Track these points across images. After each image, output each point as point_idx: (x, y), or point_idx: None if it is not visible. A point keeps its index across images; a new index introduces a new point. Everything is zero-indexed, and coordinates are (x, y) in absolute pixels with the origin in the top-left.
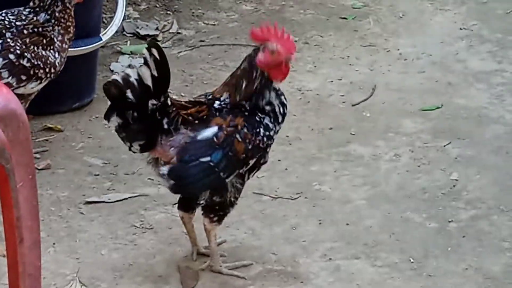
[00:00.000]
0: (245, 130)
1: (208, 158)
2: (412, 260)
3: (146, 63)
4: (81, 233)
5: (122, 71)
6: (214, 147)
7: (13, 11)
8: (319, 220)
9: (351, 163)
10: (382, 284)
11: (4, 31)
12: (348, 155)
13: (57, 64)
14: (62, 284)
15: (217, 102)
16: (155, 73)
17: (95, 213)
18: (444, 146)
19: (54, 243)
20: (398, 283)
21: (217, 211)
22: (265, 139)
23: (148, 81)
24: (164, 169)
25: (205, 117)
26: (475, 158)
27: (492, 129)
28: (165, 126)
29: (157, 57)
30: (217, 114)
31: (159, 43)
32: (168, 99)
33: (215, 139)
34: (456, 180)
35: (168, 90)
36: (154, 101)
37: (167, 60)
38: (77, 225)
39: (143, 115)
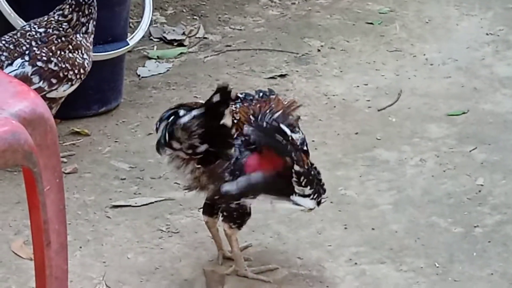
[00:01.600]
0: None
1: None
2: (437, 265)
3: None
4: (108, 237)
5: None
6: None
7: (39, 20)
8: (345, 224)
9: (376, 168)
10: None
11: (32, 41)
12: (374, 160)
13: (86, 64)
14: (88, 287)
15: None
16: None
17: (121, 217)
18: (470, 151)
19: (80, 247)
20: (423, 287)
21: (237, 218)
22: None
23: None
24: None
25: None
26: (500, 164)
27: None
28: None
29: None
30: None
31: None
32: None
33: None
34: (482, 185)
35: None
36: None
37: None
38: (103, 229)
39: None
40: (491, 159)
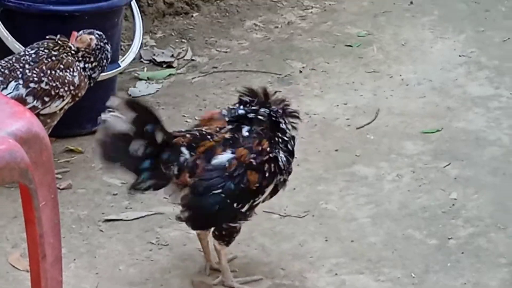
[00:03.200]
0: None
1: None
2: (413, 275)
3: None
4: (100, 250)
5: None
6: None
7: (35, 45)
8: (325, 237)
9: (355, 183)
10: None
11: (25, 64)
12: (353, 176)
13: (75, 81)
14: None
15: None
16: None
17: (113, 231)
18: (444, 167)
19: (74, 259)
20: None
21: (226, 236)
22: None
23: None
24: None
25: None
26: (473, 179)
27: (489, 151)
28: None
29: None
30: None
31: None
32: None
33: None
34: (455, 199)
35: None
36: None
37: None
38: (96, 242)
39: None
40: (464, 175)
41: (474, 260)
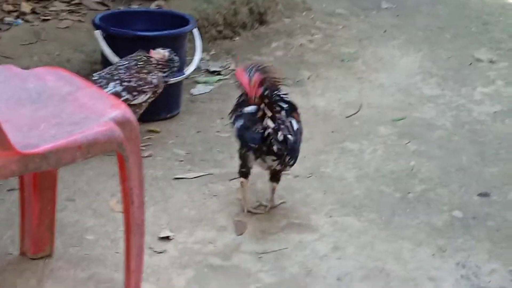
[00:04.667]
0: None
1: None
2: (384, 217)
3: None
4: (171, 198)
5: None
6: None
7: (128, 58)
8: (324, 191)
9: (345, 154)
10: (364, 233)
11: (120, 70)
12: (343, 149)
13: (154, 82)
14: (157, 230)
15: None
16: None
17: (180, 185)
18: (406, 144)
19: (153, 204)
20: (374, 232)
21: (279, 177)
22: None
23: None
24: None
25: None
26: (425, 152)
27: (437, 133)
28: None
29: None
30: None
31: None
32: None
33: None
34: (413, 166)
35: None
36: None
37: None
38: (168, 193)
39: None
40: (420, 149)
41: (426, 207)
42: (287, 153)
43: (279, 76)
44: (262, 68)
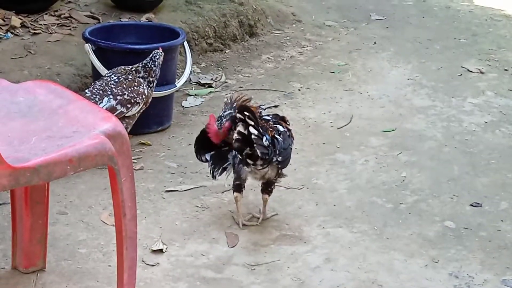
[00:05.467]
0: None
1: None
2: (376, 228)
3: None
4: (163, 211)
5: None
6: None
7: (113, 70)
8: (316, 202)
9: (337, 165)
10: (356, 244)
11: (112, 85)
12: (335, 161)
13: (145, 92)
14: (150, 243)
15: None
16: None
17: (172, 198)
18: (397, 154)
19: (145, 217)
20: (366, 243)
21: (271, 190)
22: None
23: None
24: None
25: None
26: (417, 162)
27: (427, 144)
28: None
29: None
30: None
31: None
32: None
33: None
34: (405, 176)
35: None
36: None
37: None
38: (160, 205)
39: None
40: (411, 160)
41: (417, 218)
42: (278, 153)
43: (254, 106)
44: (239, 110)
